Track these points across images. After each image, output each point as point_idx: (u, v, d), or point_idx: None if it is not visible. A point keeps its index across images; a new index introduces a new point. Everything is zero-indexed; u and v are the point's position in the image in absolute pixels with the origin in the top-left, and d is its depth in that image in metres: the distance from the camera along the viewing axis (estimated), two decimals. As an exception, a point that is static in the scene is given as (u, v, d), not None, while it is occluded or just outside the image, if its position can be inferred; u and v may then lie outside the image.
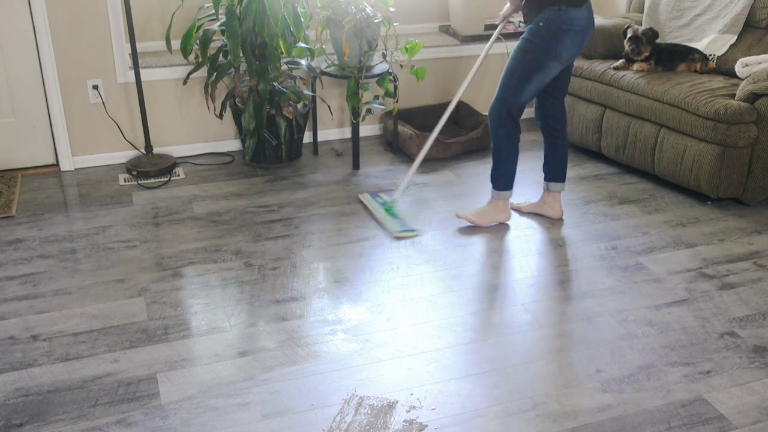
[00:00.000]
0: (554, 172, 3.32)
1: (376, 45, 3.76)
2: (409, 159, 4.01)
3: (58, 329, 2.56)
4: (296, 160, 3.99)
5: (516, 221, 3.36)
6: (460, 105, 4.41)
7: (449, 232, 3.26)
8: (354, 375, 2.35)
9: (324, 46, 3.83)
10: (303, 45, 3.72)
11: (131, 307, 2.69)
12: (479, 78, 4.48)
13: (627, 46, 3.77)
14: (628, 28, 3.82)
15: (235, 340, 2.51)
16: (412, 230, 3.21)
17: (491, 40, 3.29)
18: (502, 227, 3.30)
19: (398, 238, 3.17)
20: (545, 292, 2.82)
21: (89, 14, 3.62)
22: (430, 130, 4.17)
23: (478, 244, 3.16)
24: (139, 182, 3.71)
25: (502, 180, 3.21)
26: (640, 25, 4.11)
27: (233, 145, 4.11)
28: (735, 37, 3.81)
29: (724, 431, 2.14)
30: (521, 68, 2.98)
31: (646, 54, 3.75)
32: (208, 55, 3.59)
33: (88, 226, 3.28)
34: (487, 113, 4.49)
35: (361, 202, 3.48)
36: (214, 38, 3.57)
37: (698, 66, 3.77)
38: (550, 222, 3.36)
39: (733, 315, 2.68)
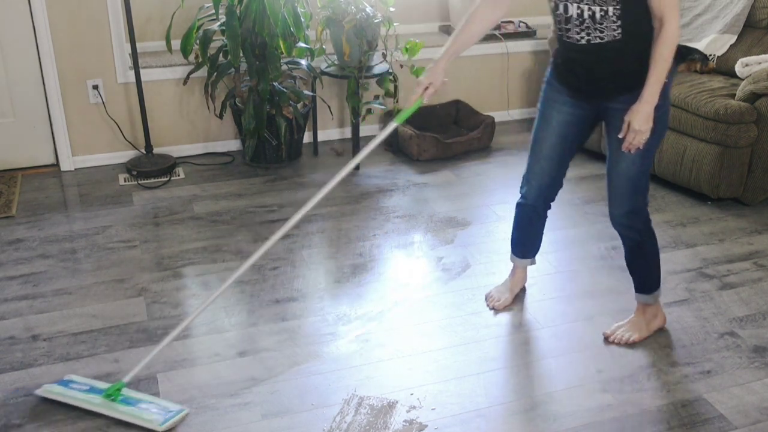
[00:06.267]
0: None
1: (376, 45, 3.76)
2: (409, 159, 4.01)
3: (58, 329, 2.56)
4: (296, 160, 3.99)
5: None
6: (461, 105, 4.41)
7: (449, 232, 3.26)
8: (354, 375, 2.35)
9: (324, 46, 3.83)
10: (303, 45, 3.72)
11: (131, 307, 2.69)
12: (479, 79, 4.48)
13: None
14: None
15: (235, 340, 2.51)
16: (178, 411, 2.17)
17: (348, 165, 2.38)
18: (499, 227, 3.30)
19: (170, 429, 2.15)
20: (545, 292, 2.81)
21: (89, 14, 3.62)
22: (431, 130, 4.17)
23: (478, 244, 3.16)
24: (139, 182, 3.71)
25: (651, 279, 2.53)
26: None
27: (233, 145, 4.11)
28: (735, 37, 3.81)
29: (724, 431, 2.14)
30: (655, 141, 2.26)
31: None
32: (208, 55, 3.59)
33: (88, 226, 3.28)
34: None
35: (51, 398, 2.23)
36: (214, 38, 3.57)
37: (698, 66, 3.77)
38: (550, 222, 3.35)
39: (733, 315, 2.67)
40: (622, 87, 2.22)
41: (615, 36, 2.14)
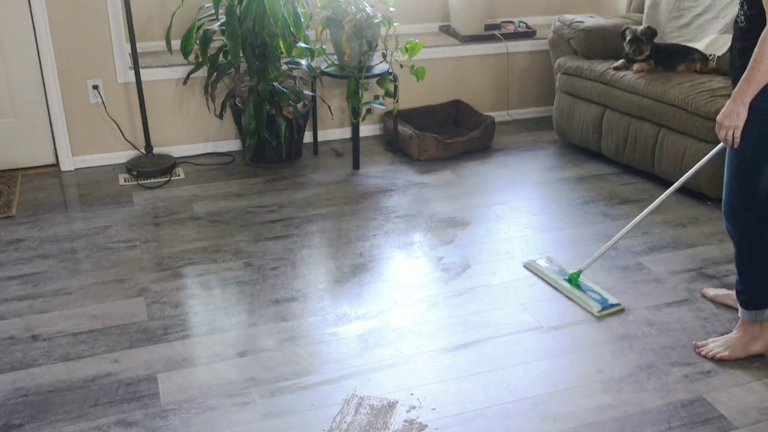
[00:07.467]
0: None
1: (376, 45, 3.76)
2: (409, 159, 4.01)
3: (58, 329, 2.56)
4: (296, 160, 3.99)
5: (515, 221, 3.36)
6: (461, 105, 4.41)
7: (449, 232, 3.26)
8: (354, 375, 2.35)
9: (324, 46, 3.83)
10: (303, 45, 3.72)
11: (131, 307, 2.69)
12: (480, 79, 4.48)
13: (628, 48, 3.75)
14: (626, 29, 3.81)
15: (235, 340, 2.51)
16: (615, 305, 2.67)
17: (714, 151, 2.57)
18: (499, 227, 3.30)
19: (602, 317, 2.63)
20: (545, 292, 2.81)
21: (89, 14, 3.62)
22: (431, 130, 4.17)
23: (478, 244, 3.16)
24: (139, 182, 3.71)
25: (753, 295, 2.36)
26: (640, 24, 4.11)
27: (233, 145, 4.11)
28: (735, 37, 3.81)
29: (724, 431, 2.14)
30: (754, 150, 2.18)
31: (647, 53, 3.74)
32: (208, 55, 3.59)
33: (88, 226, 3.28)
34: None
35: (530, 270, 2.93)
36: (214, 38, 3.57)
37: (698, 66, 3.76)
38: (550, 223, 3.36)
39: (733, 315, 2.67)
40: (734, 78, 2.22)
41: (740, 23, 2.16)
